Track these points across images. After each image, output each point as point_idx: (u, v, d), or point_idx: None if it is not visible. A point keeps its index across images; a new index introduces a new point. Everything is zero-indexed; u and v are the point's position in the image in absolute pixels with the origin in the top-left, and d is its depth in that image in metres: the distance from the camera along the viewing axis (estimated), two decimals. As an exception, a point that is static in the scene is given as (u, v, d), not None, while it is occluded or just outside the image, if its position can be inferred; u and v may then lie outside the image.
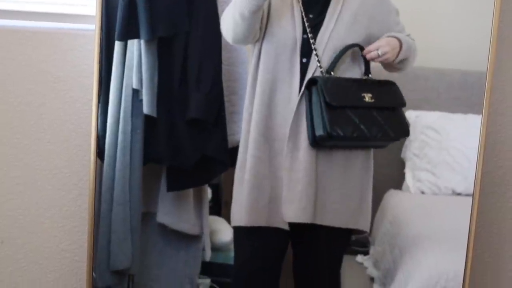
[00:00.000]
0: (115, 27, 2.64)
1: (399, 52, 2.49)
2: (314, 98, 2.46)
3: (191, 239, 2.80)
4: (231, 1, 2.47)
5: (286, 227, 2.52)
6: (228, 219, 2.61)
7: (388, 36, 2.51)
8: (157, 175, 2.73)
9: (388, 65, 2.53)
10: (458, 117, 2.76)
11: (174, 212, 2.75)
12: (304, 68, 2.48)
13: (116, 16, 2.63)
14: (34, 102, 2.85)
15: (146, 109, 2.66)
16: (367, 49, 2.49)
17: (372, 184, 2.58)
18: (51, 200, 2.90)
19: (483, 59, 2.61)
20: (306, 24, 2.48)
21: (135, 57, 2.65)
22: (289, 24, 2.48)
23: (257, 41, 2.51)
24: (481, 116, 2.61)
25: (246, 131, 2.53)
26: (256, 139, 2.51)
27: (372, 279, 2.83)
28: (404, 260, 2.68)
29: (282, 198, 2.50)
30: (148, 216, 2.76)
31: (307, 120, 2.47)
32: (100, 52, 2.66)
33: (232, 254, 2.65)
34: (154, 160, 2.71)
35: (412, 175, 2.79)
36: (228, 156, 2.67)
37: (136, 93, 2.67)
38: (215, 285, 2.86)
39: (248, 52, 2.59)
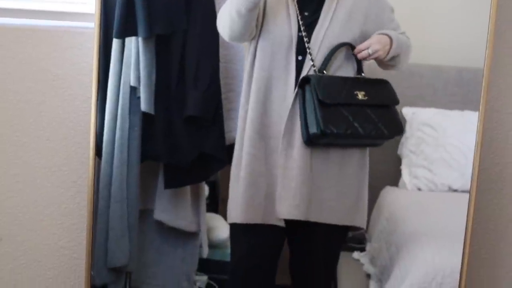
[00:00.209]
0: (113, 25, 2.65)
1: (389, 49, 2.50)
2: (308, 96, 2.46)
3: (188, 236, 2.81)
4: (227, -1, 2.48)
5: (282, 224, 2.52)
6: (225, 216, 2.60)
7: (379, 34, 2.51)
8: (155, 173, 2.74)
9: (381, 63, 2.53)
10: (454, 114, 2.76)
11: (172, 210, 2.76)
12: (299, 66, 2.48)
13: (114, 14, 2.64)
14: (33, 100, 2.86)
15: (144, 106, 2.67)
16: (357, 48, 2.49)
17: (368, 181, 2.57)
18: (50, 197, 2.92)
19: (478, 56, 2.61)
20: (301, 22, 2.48)
21: (133, 55, 2.66)
22: (284, 22, 2.49)
23: (253, 38, 2.51)
24: (477, 113, 2.61)
25: (242, 128, 2.54)
26: (251, 137, 2.51)
27: (368, 276, 2.84)
28: (401, 256, 2.68)
29: (276, 195, 2.51)
30: (145, 213, 2.77)
31: (300, 119, 2.47)
32: (99, 50, 2.68)
33: (229, 251, 2.65)
34: (151, 158, 2.72)
35: (408, 172, 2.79)
36: (226, 153, 2.67)
37: (133, 90, 2.68)
38: (212, 282, 2.87)
39: (245, 50, 2.59)
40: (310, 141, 2.46)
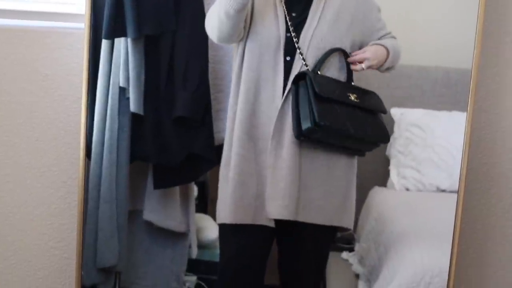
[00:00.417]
0: (102, 26, 2.65)
1: (385, 60, 2.52)
2: (302, 91, 2.46)
3: (177, 237, 2.81)
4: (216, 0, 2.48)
5: (271, 224, 2.53)
6: (214, 217, 2.61)
7: (376, 44, 2.54)
8: (144, 173, 2.74)
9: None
10: (442, 114, 2.76)
11: (161, 210, 2.76)
12: (288, 67, 2.49)
13: (103, 15, 2.64)
14: (23, 101, 2.86)
15: (133, 107, 2.67)
16: (352, 59, 2.52)
17: (356, 181, 2.58)
18: (40, 198, 2.92)
19: (466, 56, 2.61)
20: (289, 23, 2.49)
21: (121, 55, 2.66)
22: (272, 23, 2.49)
23: (241, 40, 2.51)
24: (465, 113, 2.62)
25: (231, 129, 2.54)
26: (240, 138, 2.52)
27: (357, 276, 2.84)
28: (389, 256, 2.69)
29: (265, 195, 2.52)
30: (134, 213, 2.77)
31: (292, 114, 2.48)
32: (89, 50, 2.68)
33: (218, 251, 2.66)
34: (140, 158, 2.73)
35: (396, 172, 2.80)
36: (215, 154, 2.68)
37: (123, 91, 2.68)
38: (201, 282, 2.87)
39: (233, 51, 2.59)
40: (302, 135, 2.47)
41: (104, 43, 2.67)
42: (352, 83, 2.56)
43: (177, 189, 2.77)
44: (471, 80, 2.61)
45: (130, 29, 2.63)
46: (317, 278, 2.67)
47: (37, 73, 2.85)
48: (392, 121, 2.77)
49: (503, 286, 2.94)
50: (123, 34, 2.64)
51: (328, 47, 2.50)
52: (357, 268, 2.84)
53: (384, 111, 2.60)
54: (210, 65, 2.70)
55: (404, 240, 2.68)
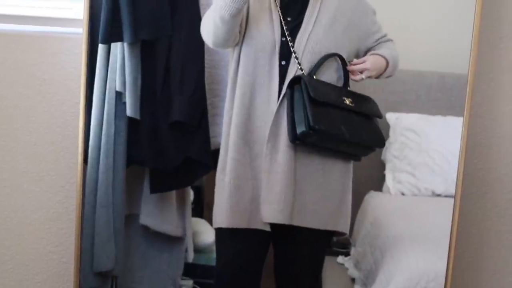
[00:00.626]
0: (98, 31, 2.66)
1: (385, 70, 2.55)
2: (297, 95, 2.47)
3: (174, 241, 2.82)
4: (211, 5, 2.49)
5: (267, 228, 2.53)
6: (210, 221, 2.61)
7: (376, 54, 2.56)
8: (140, 177, 2.75)
9: None
10: (437, 119, 2.77)
11: (157, 214, 2.77)
12: (283, 71, 2.49)
13: (100, 20, 2.65)
14: (20, 105, 2.87)
15: (129, 111, 2.67)
16: (352, 68, 2.54)
17: (351, 186, 2.58)
18: (38, 202, 2.93)
19: (461, 61, 2.62)
20: (285, 28, 2.49)
21: (118, 60, 2.67)
22: (267, 28, 2.50)
23: (236, 44, 2.52)
24: (460, 118, 2.63)
25: (227, 134, 2.54)
26: (236, 142, 2.52)
27: (353, 280, 2.85)
28: (385, 261, 2.69)
29: (261, 199, 2.52)
30: (131, 218, 2.78)
31: (288, 117, 2.48)
32: (87, 55, 2.69)
33: (214, 255, 2.66)
34: (137, 162, 2.73)
35: (392, 177, 2.80)
36: (211, 158, 2.69)
37: (119, 95, 2.69)
38: (197, 286, 2.87)
39: (229, 55, 2.60)
40: (296, 139, 2.47)
41: (101, 48, 2.67)
42: (348, 88, 2.57)
43: (173, 193, 2.78)
44: (467, 85, 2.62)
45: (126, 33, 2.64)
46: (312, 282, 2.66)
47: (34, 78, 2.86)
48: (387, 126, 2.78)
49: (499, 290, 2.95)
50: (119, 38, 2.65)
51: (323, 51, 2.50)
52: (353, 272, 2.85)
53: (380, 116, 2.61)
54: (207, 70, 2.71)
55: (400, 245, 2.69)
